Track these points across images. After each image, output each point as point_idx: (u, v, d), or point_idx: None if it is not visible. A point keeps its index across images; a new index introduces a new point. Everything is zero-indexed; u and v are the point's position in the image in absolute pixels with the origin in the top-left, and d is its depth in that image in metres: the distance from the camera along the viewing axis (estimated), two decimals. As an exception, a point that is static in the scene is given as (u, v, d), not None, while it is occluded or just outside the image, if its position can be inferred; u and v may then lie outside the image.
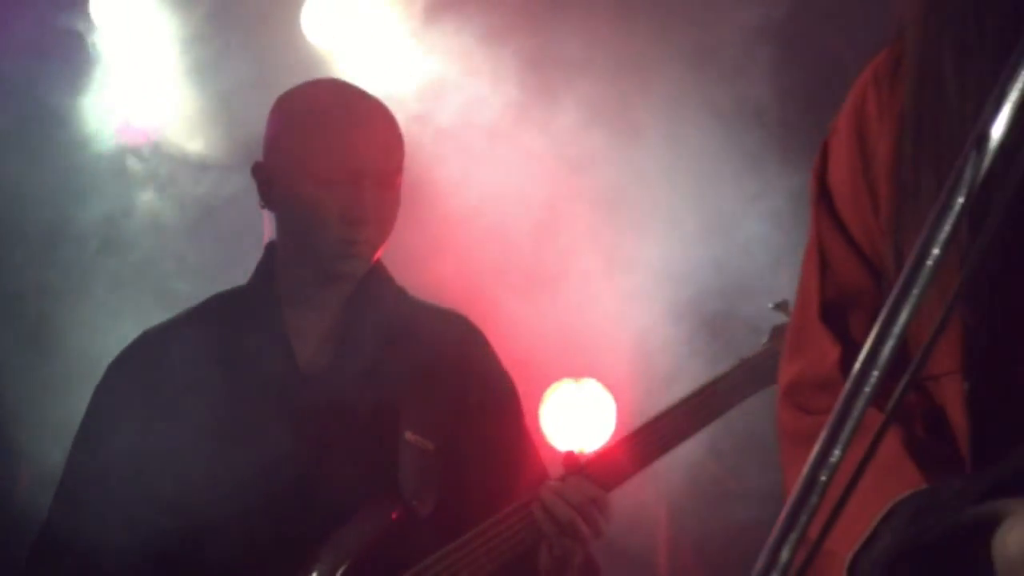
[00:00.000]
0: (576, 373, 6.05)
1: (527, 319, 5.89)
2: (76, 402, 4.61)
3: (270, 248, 4.45)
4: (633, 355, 6.04)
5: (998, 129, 1.80)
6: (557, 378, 6.05)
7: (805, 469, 1.70)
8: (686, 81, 6.08)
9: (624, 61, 6.21)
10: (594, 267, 6.14)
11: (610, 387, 6.03)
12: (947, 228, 1.79)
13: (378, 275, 4.42)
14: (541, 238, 6.23)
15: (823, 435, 1.73)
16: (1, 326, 6.54)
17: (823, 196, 2.70)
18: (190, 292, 5.33)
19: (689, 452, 5.55)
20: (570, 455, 4.34)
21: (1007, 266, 2.44)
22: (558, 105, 6.11)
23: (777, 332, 4.60)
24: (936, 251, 1.77)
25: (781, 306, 4.61)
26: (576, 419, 6.03)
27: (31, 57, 6.33)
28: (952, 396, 2.52)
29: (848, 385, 1.75)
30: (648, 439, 4.40)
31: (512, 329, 5.58)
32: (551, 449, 5.54)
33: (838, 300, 2.67)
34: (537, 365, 5.80)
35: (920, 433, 2.54)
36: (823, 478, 1.73)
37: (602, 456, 4.38)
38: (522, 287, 6.04)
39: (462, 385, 4.41)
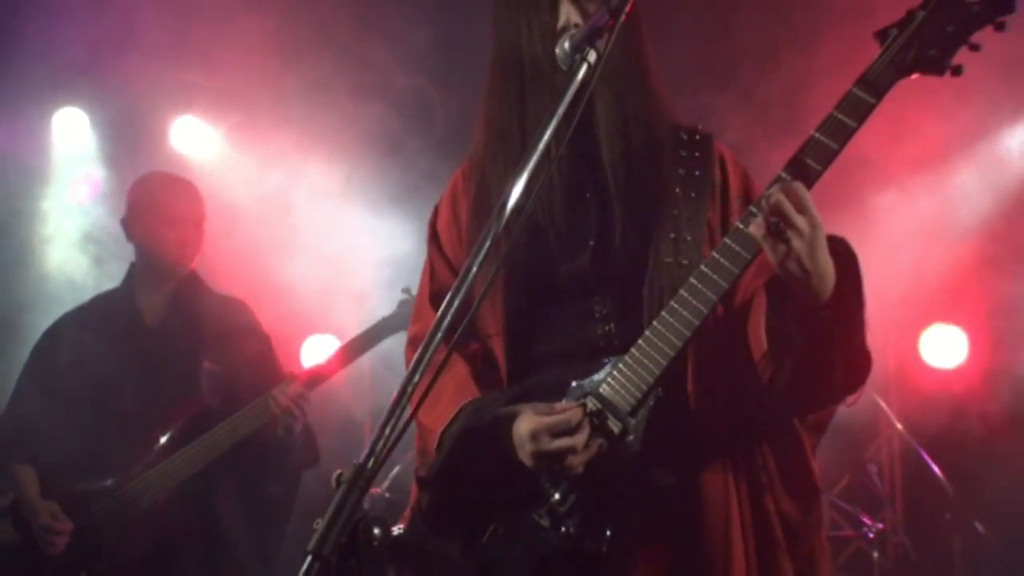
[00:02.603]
0: (320, 330, 6.21)
1: (293, 295, 5.82)
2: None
3: (132, 265, 4.68)
4: (353, 316, 5.84)
5: (511, 200, 2.02)
6: (311, 332, 6.25)
7: (400, 384, 1.91)
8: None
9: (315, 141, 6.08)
10: (333, 259, 6.08)
11: (339, 337, 5.86)
12: (480, 256, 1.99)
13: (193, 276, 4.65)
14: (301, 241, 6.11)
15: (411, 365, 1.93)
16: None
17: (434, 235, 2.81)
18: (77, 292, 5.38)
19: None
20: (290, 371, 4.58)
21: (518, 281, 2.58)
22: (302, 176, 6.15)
23: (401, 304, 4.69)
24: (474, 269, 1.98)
25: (406, 290, 4.72)
26: (319, 355, 5.93)
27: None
28: (498, 347, 2.62)
29: (425, 340, 1.94)
30: (330, 363, 4.56)
31: (282, 302, 5.58)
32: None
33: (438, 292, 2.75)
34: (297, 323, 5.93)
35: (481, 367, 2.64)
36: (409, 389, 1.92)
37: (307, 371, 4.50)
38: (291, 276, 5.91)
39: (236, 335, 4.58)
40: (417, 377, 1.93)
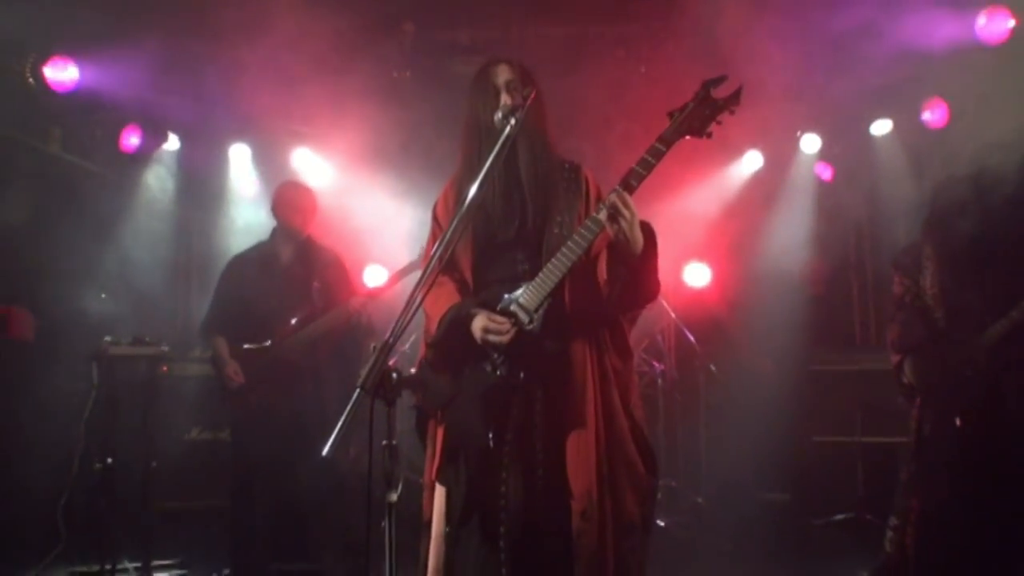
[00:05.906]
0: (375, 262, 5.62)
1: (360, 243, 5.35)
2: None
3: (274, 230, 4.39)
4: (394, 256, 5.14)
5: (470, 193, 2.02)
6: (369, 263, 5.59)
7: (408, 296, 1.88)
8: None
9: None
10: (383, 224, 5.43)
11: (386, 266, 5.50)
12: (451, 230, 1.98)
13: (309, 238, 4.34)
14: (367, 214, 5.60)
15: (417, 283, 1.89)
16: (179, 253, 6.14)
17: (435, 216, 2.54)
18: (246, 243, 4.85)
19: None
20: (358, 288, 4.36)
21: (477, 242, 2.41)
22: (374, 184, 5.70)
23: (421, 252, 4.22)
24: (449, 233, 1.97)
25: (422, 247, 4.09)
26: (376, 277, 5.56)
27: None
28: (468, 277, 2.43)
29: (425, 269, 1.98)
30: (383, 285, 4.40)
31: (354, 246, 5.08)
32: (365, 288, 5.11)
33: (435, 245, 2.32)
34: (361, 258, 5.46)
35: (460, 287, 2.44)
36: (416, 299, 1.90)
37: (368, 291, 4.34)
38: (359, 232, 5.40)
39: (330, 268, 4.32)
40: (419, 294, 1.90)
